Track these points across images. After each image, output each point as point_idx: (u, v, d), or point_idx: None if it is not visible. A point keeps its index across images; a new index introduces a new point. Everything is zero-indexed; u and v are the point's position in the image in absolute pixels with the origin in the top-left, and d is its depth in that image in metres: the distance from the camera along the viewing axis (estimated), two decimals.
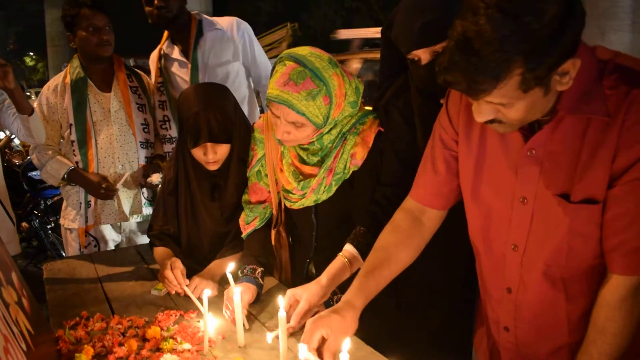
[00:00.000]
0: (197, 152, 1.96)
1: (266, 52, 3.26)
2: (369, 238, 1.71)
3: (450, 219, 1.60)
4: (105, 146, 2.77)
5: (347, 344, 1.25)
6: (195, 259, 2.09)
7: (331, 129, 1.75)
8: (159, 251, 2.09)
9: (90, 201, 2.80)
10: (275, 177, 1.93)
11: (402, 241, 1.55)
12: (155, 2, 2.73)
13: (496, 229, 1.42)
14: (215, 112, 1.90)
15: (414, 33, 1.61)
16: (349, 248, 1.72)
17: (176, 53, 2.92)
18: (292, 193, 1.85)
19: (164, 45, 2.95)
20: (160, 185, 2.45)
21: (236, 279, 1.76)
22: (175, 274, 1.89)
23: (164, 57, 2.94)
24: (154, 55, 3.00)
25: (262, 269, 1.86)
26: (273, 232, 1.98)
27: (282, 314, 1.42)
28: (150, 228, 2.18)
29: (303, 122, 1.67)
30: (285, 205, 1.93)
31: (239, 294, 1.58)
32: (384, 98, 1.86)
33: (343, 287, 1.67)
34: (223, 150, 1.96)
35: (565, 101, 1.20)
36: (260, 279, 1.84)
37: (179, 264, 1.93)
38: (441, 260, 1.73)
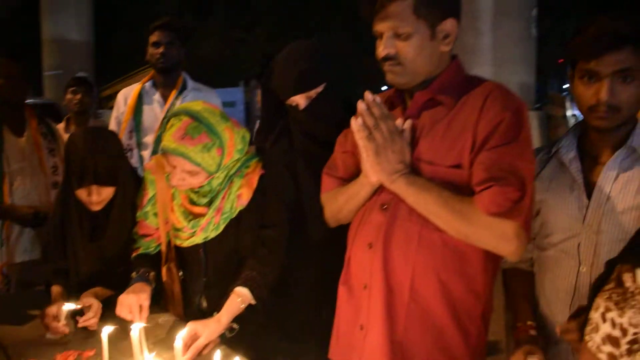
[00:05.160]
0: (82, 194, 2.06)
1: None
2: (259, 280, 1.92)
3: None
4: (20, 187, 2.95)
5: (217, 356, 1.42)
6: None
7: (220, 173, 1.94)
8: (54, 291, 2.12)
9: (4, 239, 2.90)
10: (166, 216, 2.07)
11: None
12: (161, 49, 3.19)
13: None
14: (102, 155, 2.03)
15: (291, 81, 1.89)
16: (243, 290, 1.90)
17: (157, 96, 3.31)
18: (182, 231, 2.01)
19: (146, 84, 3.33)
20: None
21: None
22: (49, 322, 1.92)
23: (145, 95, 3.31)
24: (128, 90, 3.33)
25: (154, 272, 2.04)
26: (164, 269, 2.10)
27: (178, 344, 1.57)
28: (45, 261, 2.24)
29: (198, 171, 1.86)
30: (175, 243, 2.07)
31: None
32: (266, 142, 2.10)
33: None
34: (107, 192, 2.08)
35: (435, 85, 1.55)
36: (153, 281, 2.01)
37: (52, 310, 1.95)
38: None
